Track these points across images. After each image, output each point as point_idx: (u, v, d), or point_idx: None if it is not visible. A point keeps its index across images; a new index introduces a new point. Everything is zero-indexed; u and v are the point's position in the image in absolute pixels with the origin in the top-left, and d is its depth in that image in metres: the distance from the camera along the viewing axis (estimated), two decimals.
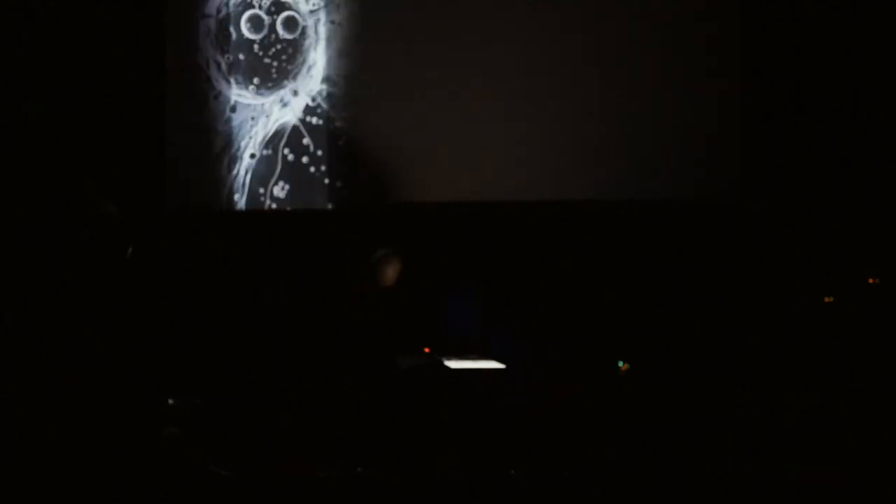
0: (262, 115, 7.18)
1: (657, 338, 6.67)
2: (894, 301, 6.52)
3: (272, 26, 7.18)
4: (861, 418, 5.47)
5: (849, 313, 6.50)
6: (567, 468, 5.24)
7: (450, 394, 5.70)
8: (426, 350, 5.97)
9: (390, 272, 6.17)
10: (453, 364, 5.78)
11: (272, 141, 7.19)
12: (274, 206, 7.20)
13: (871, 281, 6.70)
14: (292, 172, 7.20)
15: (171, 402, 6.02)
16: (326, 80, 7.17)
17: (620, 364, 6.30)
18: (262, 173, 7.19)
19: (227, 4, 7.16)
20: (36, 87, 6.99)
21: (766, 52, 7.10)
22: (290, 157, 7.20)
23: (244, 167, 7.18)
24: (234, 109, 7.16)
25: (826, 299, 6.63)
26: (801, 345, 6.29)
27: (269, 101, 7.18)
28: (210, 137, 7.16)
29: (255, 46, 7.17)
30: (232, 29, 7.16)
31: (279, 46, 7.18)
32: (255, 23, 7.18)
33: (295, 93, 7.18)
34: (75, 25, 7.00)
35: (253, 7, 7.16)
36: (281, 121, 7.19)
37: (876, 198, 6.98)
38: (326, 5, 7.16)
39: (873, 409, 5.55)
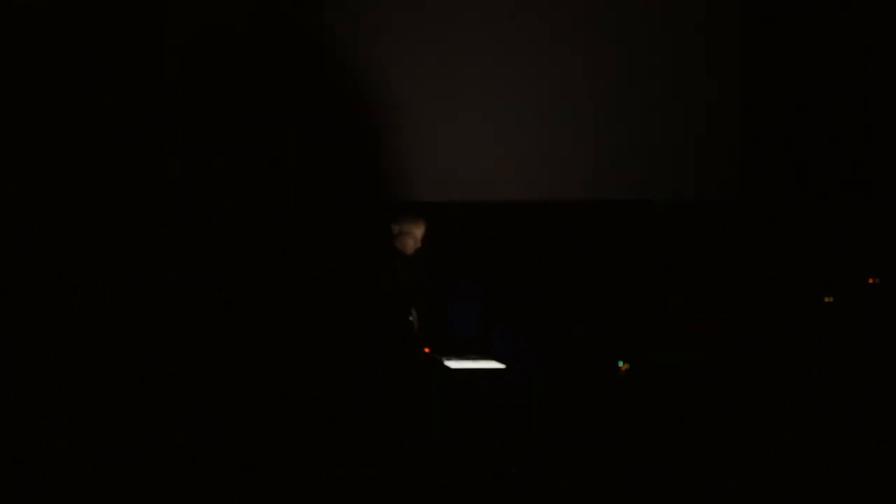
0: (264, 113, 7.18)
1: (657, 338, 6.67)
2: (894, 301, 6.52)
3: None
4: (861, 418, 5.47)
5: (849, 313, 6.50)
6: (567, 468, 5.24)
7: (450, 394, 5.71)
8: (426, 350, 5.96)
9: (409, 240, 6.06)
10: (453, 364, 5.78)
11: (275, 138, 7.20)
12: (276, 203, 7.20)
13: (871, 281, 6.70)
14: (293, 171, 7.20)
15: (169, 401, 6.03)
16: None
17: (620, 364, 6.30)
18: (264, 171, 7.20)
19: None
20: (36, 85, 6.99)
21: (766, 52, 7.10)
22: (292, 155, 7.21)
23: (244, 165, 7.18)
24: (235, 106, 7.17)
25: (826, 299, 6.63)
26: (801, 345, 6.29)
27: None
28: (213, 134, 7.17)
29: None
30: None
31: None
32: None
33: None
34: (75, 22, 7.00)
35: None
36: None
37: (876, 198, 6.98)
38: None
39: (873, 409, 5.55)
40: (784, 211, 7.05)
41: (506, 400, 5.92)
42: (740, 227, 7.09)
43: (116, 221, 7.00)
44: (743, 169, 7.17)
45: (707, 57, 7.16)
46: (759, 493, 4.90)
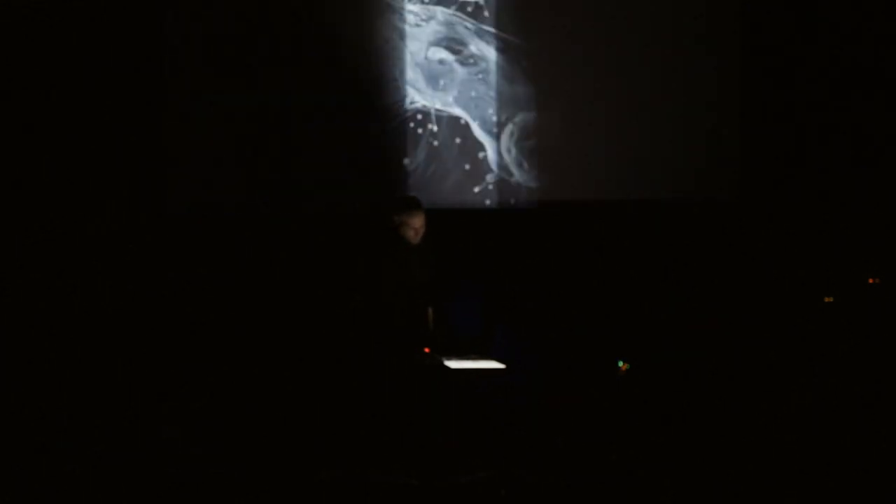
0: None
1: (657, 338, 6.67)
2: (894, 301, 6.52)
3: None
4: (861, 418, 5.47)
5: (849, 313, 6.50)
6: (567, 468, 5.24)
7: (450, 394, 5.70)
8: (426, 350, 5.96)
9: (410, 231, 5.95)
10: (453, 364, 5.78)
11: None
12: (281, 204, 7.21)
13: (871, 281, 6.69)
14: (297, 171, 7.21)
15: (170, 403, 6.03)
16: None
17: (620, 364, 6.29)
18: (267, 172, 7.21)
19: None
20: (36, 89, 6.99)
21: (766, 51, 7.10)
22: (296, 156, 7.22)
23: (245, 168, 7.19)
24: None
25: (826, 299, 6.63)
26: (801, 345, 6.29)
27: None
28: (208, 140, 7.16)
29: None
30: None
31: None
32: None
33: None
34: (75, 28, 6.99)
35: None
36: None
37: (876, 198, 6.98)
38: None
39: (873, 409, 5.55)
40: (784, 211, 7.05)
41: (506, 400, 5.91)
42: (740, 226, 7.09)
43: (116, 222, 7.00)
44: (743, 169, 7.16)
45: (707, 57, 7.15)
46: (759, 493, 4.90)
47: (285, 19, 7.13)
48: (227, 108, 7.11)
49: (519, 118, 7.17)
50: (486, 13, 7.15)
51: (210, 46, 7.12)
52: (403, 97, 7.15)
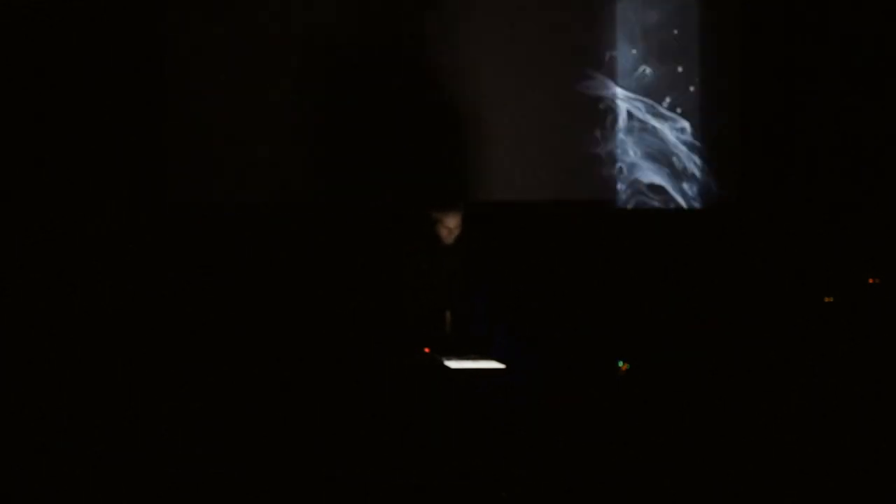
0: None
1: (657, 338, 6.67)
2: (894, 301, 6.51)
3: None
4: (861, 418, 5.47)
5: (849, 313, 6.49)
6: (567, 468, 5.24)
7: (450, 394, 5.70)
8: (426, 350, 5.96)
9: (444, 230, 5.92)
10: (453, 364, 5.78)
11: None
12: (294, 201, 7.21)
13: (871, 281, 6.69)
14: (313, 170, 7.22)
15: (170, 404, 6.03)
16: None
17: (620, 364, 6.29)
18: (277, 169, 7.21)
19: None
20: (36, 88, 6.98)
21: (766, 51, 7.10)
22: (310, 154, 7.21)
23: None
24: None
25: (826, 299, 6.62)
26: (801, 345, 6.29)
27: None
28: (209, 140, 7.16)
29: None
30: None
31: None
32: None
33: None
34: (75, 28, 6.99)
35: None
36: None
37: (876, 198, 6.97)
38: None
39: (873, 410, 5.55)
40: (784, 211, 7.05)
41: (506, 400, 5.91)
42: (741, 227, 7.09)
43: (116, 221, 7.00)
44: (743, 169, 7.16)
45: (707, 57, 7.15)
46: (759, 493, 4.90)
47: (284, 17, 7.13)
48: (227, 108, 7.11)
49: None
50: None
51: (210, 45, 7.12)
52: (405, 95, 7.16)
